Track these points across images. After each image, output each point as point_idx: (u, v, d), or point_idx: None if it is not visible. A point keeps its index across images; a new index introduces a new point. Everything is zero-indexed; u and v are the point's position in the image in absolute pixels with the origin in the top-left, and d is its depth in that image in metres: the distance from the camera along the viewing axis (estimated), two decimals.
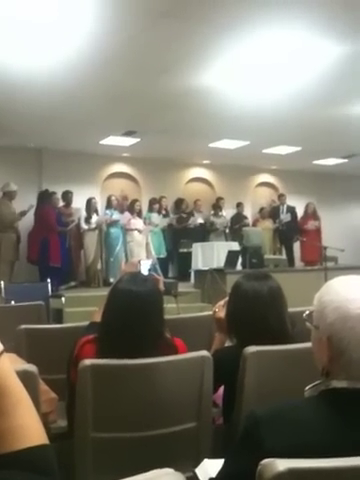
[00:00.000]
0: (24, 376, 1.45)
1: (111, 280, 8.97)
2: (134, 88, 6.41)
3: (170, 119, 7.73)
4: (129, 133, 8.58)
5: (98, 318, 2.05)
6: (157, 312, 1.92)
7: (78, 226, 9.05)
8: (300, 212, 11.16)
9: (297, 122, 7.87)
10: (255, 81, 6.19)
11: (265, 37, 4.96)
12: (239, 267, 8.12)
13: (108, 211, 9.40)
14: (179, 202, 10.59)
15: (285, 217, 10.71)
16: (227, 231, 10.59)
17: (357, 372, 1.04)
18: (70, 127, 8.13)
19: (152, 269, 9.05)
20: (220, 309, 2.26)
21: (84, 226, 9.03)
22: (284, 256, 10.64)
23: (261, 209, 11.38)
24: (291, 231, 10.63)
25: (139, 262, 3.01)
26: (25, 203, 8.40)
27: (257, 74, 5.95)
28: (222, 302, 2.27)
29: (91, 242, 9.06)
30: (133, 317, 1.84)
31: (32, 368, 1.62)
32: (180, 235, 10.16)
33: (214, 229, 10.43)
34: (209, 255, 8.76)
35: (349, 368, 1.05)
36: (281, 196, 11.28)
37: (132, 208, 9.43)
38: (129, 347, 1.82)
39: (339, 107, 7.38)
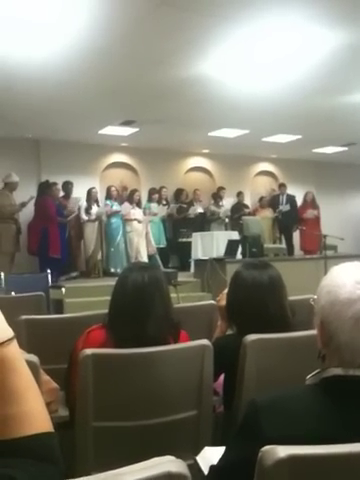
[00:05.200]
0: None
1: (111, 270, 8.98)
2: (132, 78, 6.37)
3: (169, 108, 7.69)
4: (128, 123, 8.54)
5: None
6: (164, 299, 1.95)
7: (78, 217, 9.03)
8: (299, 201, 11.14)
9: (297, 110, 7.83)
10: (254, 70, 6.14)
11: (263, 26, 4.92)
12: (239, 256, 8.12)
13: (108, 201, 9.37)
14: (179, 192, 10.56)
15: (284, 207, 10.69)
16: (227, 220, 10.58)
17: (347, 357, 1.05)
18: (68, 117, 8.09)
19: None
20: (222, 298, 2.27)
21: (84, 217, 9.01)
22: (284, 245, 10.64)
23: (261, 198, 11.36)
24: (290, 220, 10.62)
25: None
26: (24, 194, 8.37)
27: (256, 63, 5.91)
28: (226, 291, 2.27)
29: (91, 233, 9.04)
30: (140, 304, 1.88)
31: (33, 358, 1.62)
32: (180, 225, 10.15)
33: (216, 218, 10.41)
34: (209, 245, 8.76)
35: (339, 352, 1.06)
36: (282, 186, 11.25)
37: (131, 198, 9.40)
38: (137, 334, 1.85)
39: (339, 95, 7.34)
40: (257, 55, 5.68)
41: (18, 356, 0.68)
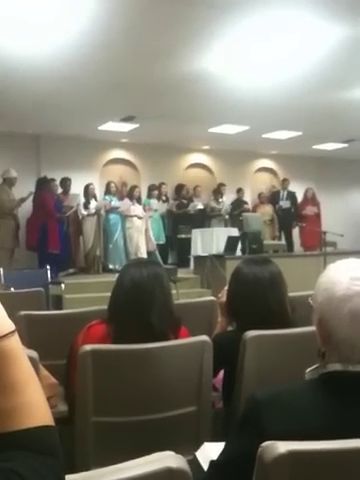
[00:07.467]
0: None
1: (110, 266, 8.97)
2: (133, 73, 6.35)
3: (169, 104, 7.67)
4: (128, 119, 8.52)
5: None
6: (164, 294, 1.95)
7: (76, 212, 9.01)
8: (299, 197, 11.14)
9: (298, 106, 7.81)
10: (255, 65, 6.12)
11: (265, 21, 4.89)
12: (239, 253, 8.12)
13: (107, 197, 9.36)
14: (179, 188, 10.54)
15: (285, 203, 10.70)
16: (227, 217, 10.57)
17: (346, 353, 1.06)
18: (68, 113, 8.07)
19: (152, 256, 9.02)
20: (223, 294, 2.27)
21: (83, 212, 9.00)
22: (283, 241, 10.64)
23: (260, 194, 11.35)
24: (291, 217, 10.63)
25: None
26: (24, 189, 8.37)
27: (257, 58, 5.89)
28: (227, 287, 2.27)
29: (90, 228, 9.03)
30: (140, 300, 1.88)
31: (33, 353, 1.62)
32: (179, 221, 10.14)
33: (217, 214, 10.40)
34: (208, 241, 8.77)
35: (338, 349, 1.07)
36: (284, 180, 11.26)
37: (131, 194, 9.39)
38: (137, 330, 1.85)
39: (340, 91, 7.32)
40: (258, 50, 5.65)
41: (19, 349, 0.68)
